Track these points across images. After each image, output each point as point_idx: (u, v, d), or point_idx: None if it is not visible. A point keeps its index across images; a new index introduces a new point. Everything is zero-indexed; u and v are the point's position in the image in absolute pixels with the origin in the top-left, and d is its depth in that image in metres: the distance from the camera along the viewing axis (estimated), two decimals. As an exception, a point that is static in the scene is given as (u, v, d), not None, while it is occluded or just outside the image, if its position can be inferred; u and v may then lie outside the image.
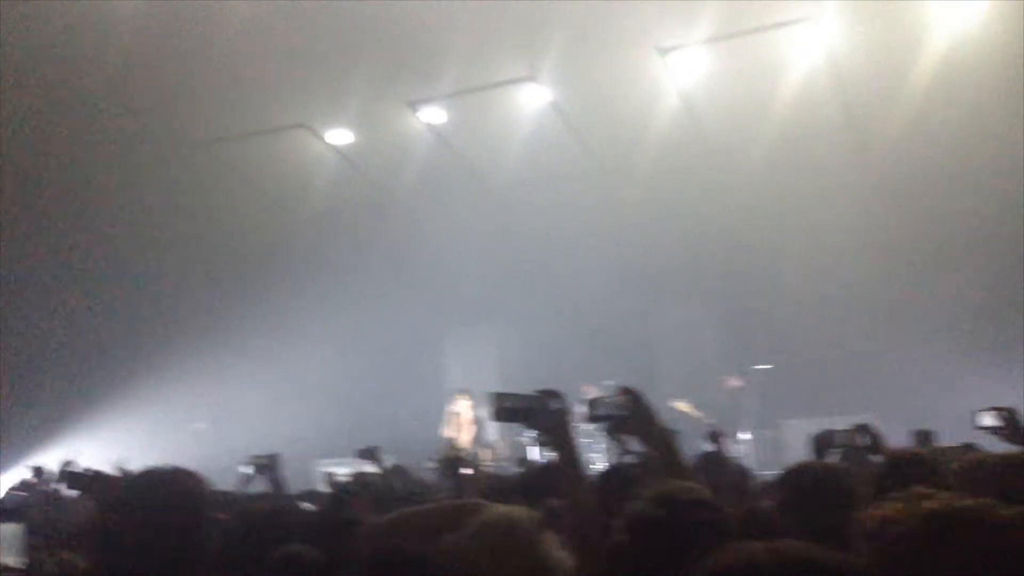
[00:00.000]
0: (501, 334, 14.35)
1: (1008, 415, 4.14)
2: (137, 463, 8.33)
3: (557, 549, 2.31)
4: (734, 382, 11.79)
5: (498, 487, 4.64)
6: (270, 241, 13.51)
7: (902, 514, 1.76)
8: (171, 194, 11.95)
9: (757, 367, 11.82)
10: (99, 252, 12.17)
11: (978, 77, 9.92)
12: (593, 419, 3.08)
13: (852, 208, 11.77)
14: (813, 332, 12.31)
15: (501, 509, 2.42)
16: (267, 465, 5.68)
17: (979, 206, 11.12)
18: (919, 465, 3.07)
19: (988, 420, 4.14)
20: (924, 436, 4.94)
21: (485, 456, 11.05)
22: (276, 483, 5.35)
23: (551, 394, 2.77)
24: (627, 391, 3.07)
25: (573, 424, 2.77)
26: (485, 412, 11.85)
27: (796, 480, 3.51)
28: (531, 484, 3.78)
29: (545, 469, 4.06)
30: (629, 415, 3.02)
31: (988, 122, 10.40)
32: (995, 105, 10.25)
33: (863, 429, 4.75)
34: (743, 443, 11.49)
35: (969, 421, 4.79)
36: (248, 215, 12.92)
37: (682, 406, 11.30)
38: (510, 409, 2.74)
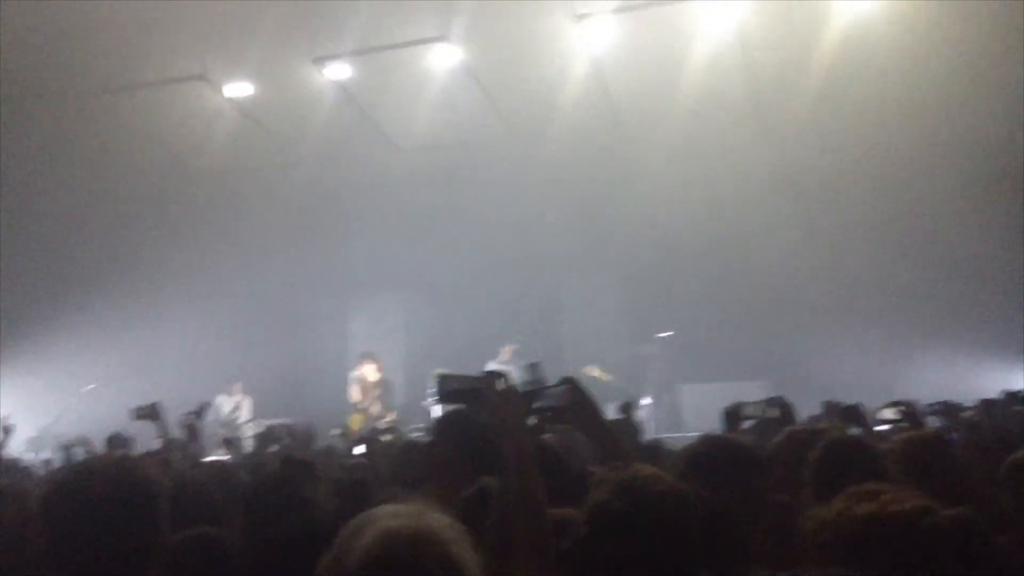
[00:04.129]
0: (408, 298, 14.22)
1: (908, 408, 4.35)
2: (29, 427, 7.93)
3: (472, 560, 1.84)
4: (646, 348, 11.98)
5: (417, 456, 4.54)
6: (167, 196, 12.98)
7: (841, 518, 1.81)
8: (65, 144, 11.32)
9: (659, 335, 12.03)
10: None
11: (884, 45, 10.13)
12: (534, 411, 3.05)
13: (757, 181, 12.00)
14: (712, 303, 12.58)
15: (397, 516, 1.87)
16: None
17: (892, 173, 11.40)
18: (858, 451, 3.16)
19: (889, 414, 4.32)
20: (849, 411, 5.08)
21: (391, 419, 10.96)
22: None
23: (497, 375, 2.72)
24: (568, 380, 3.05)
25: (520, 405, 2.71)
26: (387, 375, 11.86)
27: (705, 451, 3.55)
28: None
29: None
30: (570, 406, 3.00)
31: (894, 91, 10.69)
32: (894, 97, 10.61)
33: (774, 401, 4.89)
34: (644, 408, 11.73)
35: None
36: (145, 168, 12.37)
37: (594, 371, 11.47)
38: (456, 391, 2.73)
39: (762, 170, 11.86)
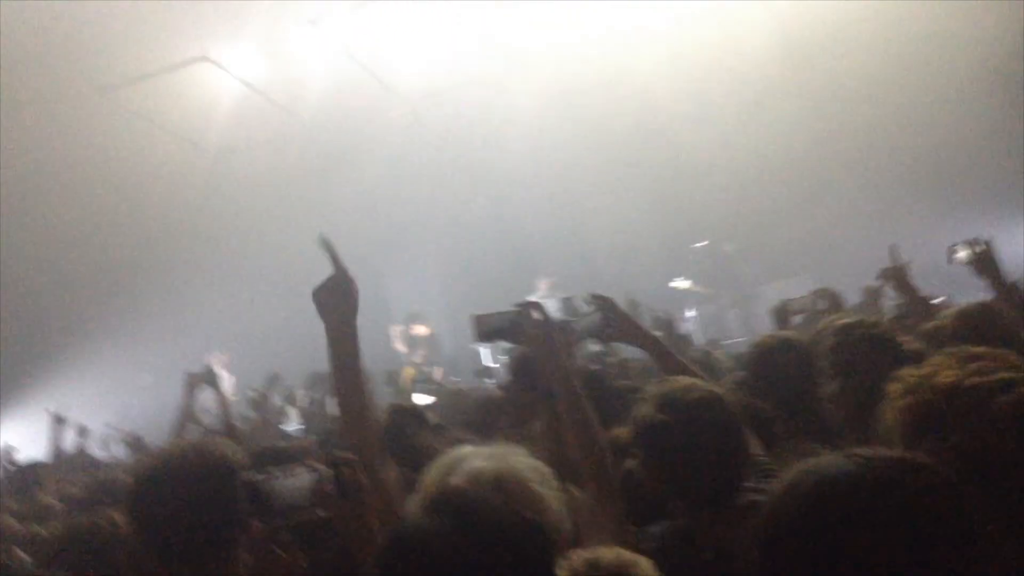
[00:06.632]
0: (441, 249, 14.24)
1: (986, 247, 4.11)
2: (89, 422, 8.12)
3: (558, 502, 1.99)
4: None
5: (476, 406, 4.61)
6: (186, 182, 13.01)
7: (922, 385, 1.75)
8: (74, 144, 11.37)
9: (694, 246, 11.92)
10: (9, 211, 11.59)
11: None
12: (579, 337, 3.10)
13: (767, 74, 11.67)
14: (742, 206, 12.39)
15: (484, 457, 2.01)
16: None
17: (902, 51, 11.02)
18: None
19: (962, 254, 4.17)
20: (875, 292, 5.05)
21: (438, 375, 11.08)
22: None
23: (531, 305, 2.74)
24: (598, 298, 3.08)
25: (555, 332, 2.74)
26: (434, 332, 11.95)
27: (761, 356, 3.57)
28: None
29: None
30: (611, 324, 3.04)
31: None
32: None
33: (821, 293, 4.87)
34: (689, 320, 11.72)
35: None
36: (159, 157, 12.40)
37: (683, 283, 11.52)
38: (493, 329, 2.74)
39: (774, 64, 11.48)
